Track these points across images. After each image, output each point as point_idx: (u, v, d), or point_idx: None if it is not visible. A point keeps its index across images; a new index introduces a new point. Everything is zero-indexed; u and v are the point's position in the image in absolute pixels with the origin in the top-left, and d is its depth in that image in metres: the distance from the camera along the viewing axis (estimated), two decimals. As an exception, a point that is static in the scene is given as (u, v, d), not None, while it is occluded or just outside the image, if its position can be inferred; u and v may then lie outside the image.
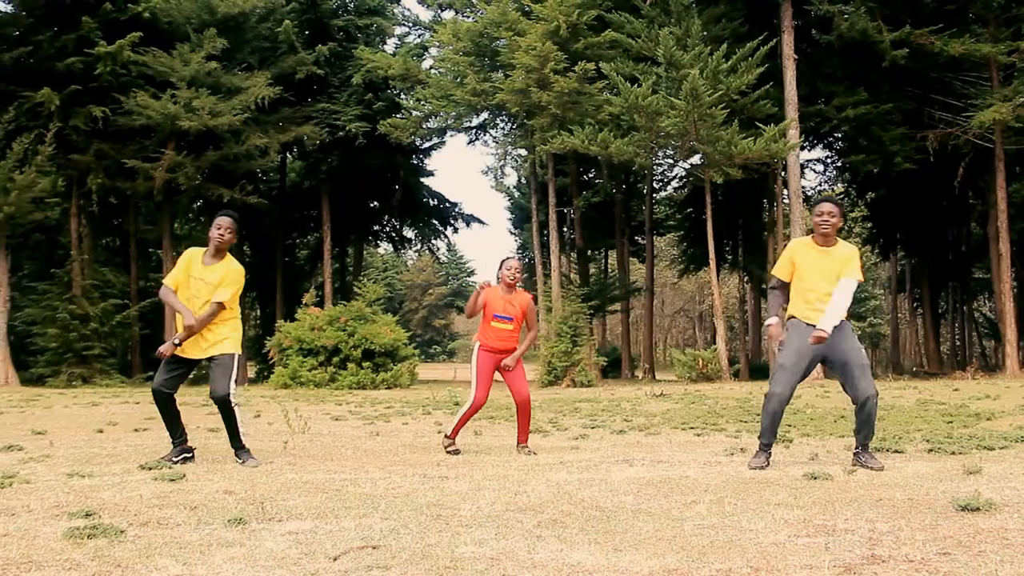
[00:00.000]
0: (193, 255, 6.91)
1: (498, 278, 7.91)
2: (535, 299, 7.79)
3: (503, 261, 7.95)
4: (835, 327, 6.34)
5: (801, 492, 5.22)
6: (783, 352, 6.52)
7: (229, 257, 6.92)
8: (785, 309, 6.70)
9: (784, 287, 6.67)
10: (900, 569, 3.36)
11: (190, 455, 6.96)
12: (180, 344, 6.67)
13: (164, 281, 6.92)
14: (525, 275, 8.08)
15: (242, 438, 6.97)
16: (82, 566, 3.45)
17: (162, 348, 6.68)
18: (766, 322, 6.47)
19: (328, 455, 7.58)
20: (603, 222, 41.32)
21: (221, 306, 6.74)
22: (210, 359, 6.80)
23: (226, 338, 6.82)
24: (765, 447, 6.55)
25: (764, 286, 34.95)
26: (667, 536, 3.98)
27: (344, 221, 39.85)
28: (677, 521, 4.34)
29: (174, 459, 6.80)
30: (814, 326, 6.34)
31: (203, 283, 6.77)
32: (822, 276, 6.40)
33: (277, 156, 34.21)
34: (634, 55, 28.05)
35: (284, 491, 5.36)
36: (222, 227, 6.81)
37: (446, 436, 7.89)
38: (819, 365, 6.59)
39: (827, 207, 6.45)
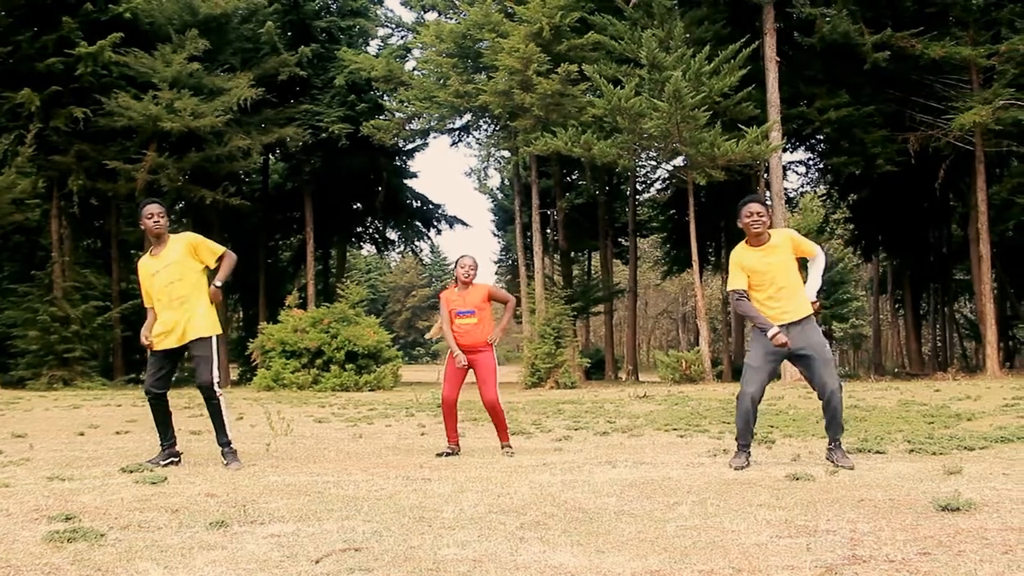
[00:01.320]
0: (143, 263, 6.91)
1: (455, 278, 7.93)
2: (518, 300, 7.72)
3: (457, 260, 7.97)
4: (799, 322, 6.41)
5: (783, 493, 5.24)
6: (751, 353, 6.59)
7: (172, 236, 6.90)
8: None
9: (747, 295, 6.63)
10: (881, 569, 3.38)
11: (176, 460, 6.92)
12: (149, 338, 6.72)
13: (146, 305, 6.92)
14: (476, 272, 7.93)
15: (229, 434, 6.89)
16: (62, 570, 3.43)
17: (145, 342, 6.76)
18: (770, 332, 6.39)
19: (311, 457, 7.57)
20: (586, 224, 41.40)
21: (230, 254, 6.90)
22: (188, 347, 6.76)
23: (200, 318, 6.74)
24: (743, 447, 6.59)
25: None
26: (650, 537, 3.99)
27: (327, 223, 39.75)
28: (660, 522, 4.35)
29: (161, 462, 6.77)
30: (784, 325, 6.39)
31: (164, 269, 6.74)
32: (773, 274, 6.42)
33: (260, 157, 34.10)
34: (617, 57, 28.09)
35: (266, 494, 5.34)
36: (153, 215, 6.77)
37: (448, 444, 7.87)
38: (799, 367, 6.61)
39: (756, 207, 6.42)
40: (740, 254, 6.52)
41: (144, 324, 6.84)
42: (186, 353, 6.90)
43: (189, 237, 6.87)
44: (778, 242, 6.47)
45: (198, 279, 6.81)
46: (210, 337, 6.75)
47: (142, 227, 6.81)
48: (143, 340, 6.74)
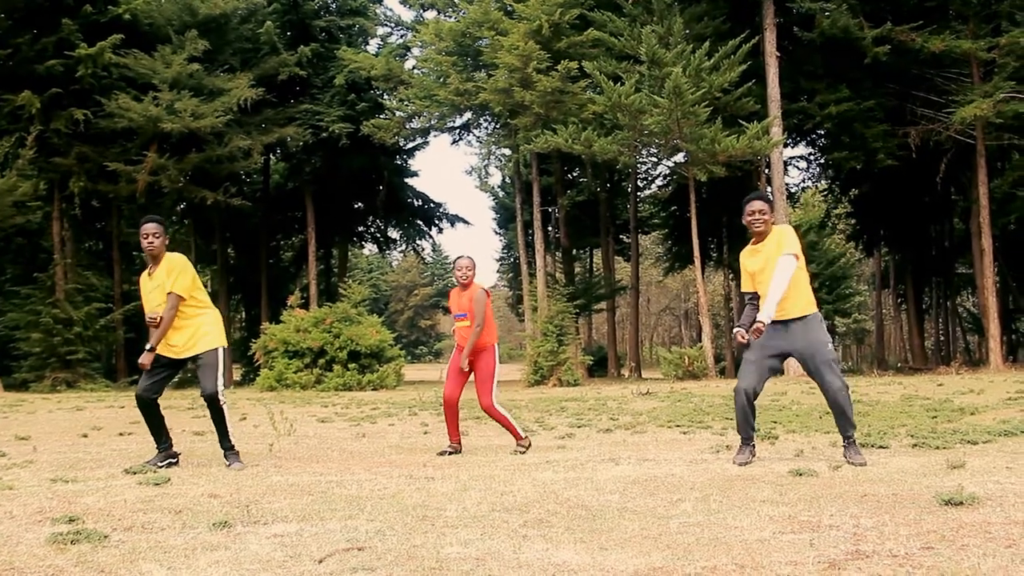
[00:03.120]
0: (142, 280, 6.88)
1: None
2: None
3: (454, 261, 7.96)
4: (798, 320, 6.33)
5: (786, 488, 5.24)
6: (748, 349, 6.58)
7: (167, 255, 6.81)
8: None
9: (756, 297, 6.61)
10: (884, 564, 3.37)
11: (175, 460, 6.93)
12: (154, 349, 6.64)
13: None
14: (473, 274, 7.89)
15: (231, 439, 6.95)
16: (65, 572, 3.43)
17: (141, 359, 6.64)
18: (735, 330, 6.51)
19: (314, 457, 7.57)
20: (588, 221, 41.42)
21: (179, 298, 6.64)
22: (194, 359, 6.78)
23: (205, 335, 6.78)
24: (746, 441, 6.58)
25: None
26: (653, 534, 3.99)
27: (328, 222, 39.78)
28: (663, 519, 4.34)
29: (159, 464, 6.77)
30: (779, 322, 6.35)
31: (156, 290, 6.71)
32: (768, 271, 6.34)
33: (260, 158, 34.12)
34: (617, 54, 28.08)
35: (269, 494, 5.34)
36: (148, 234, 6.72)
37: (450, 443, 7.88)
38: (803, 366, 6.59)
39: (758, 204, 6.40)
40: (742, 256, 6.66)
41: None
42: (191, 362, 6.90)
43: (172, 262, 6.73)
44: (771, 238, 6.42)
45: (190, 297, 6.74)
46: (216, 348, 6.80)
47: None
48: (142, 359, 6.64)
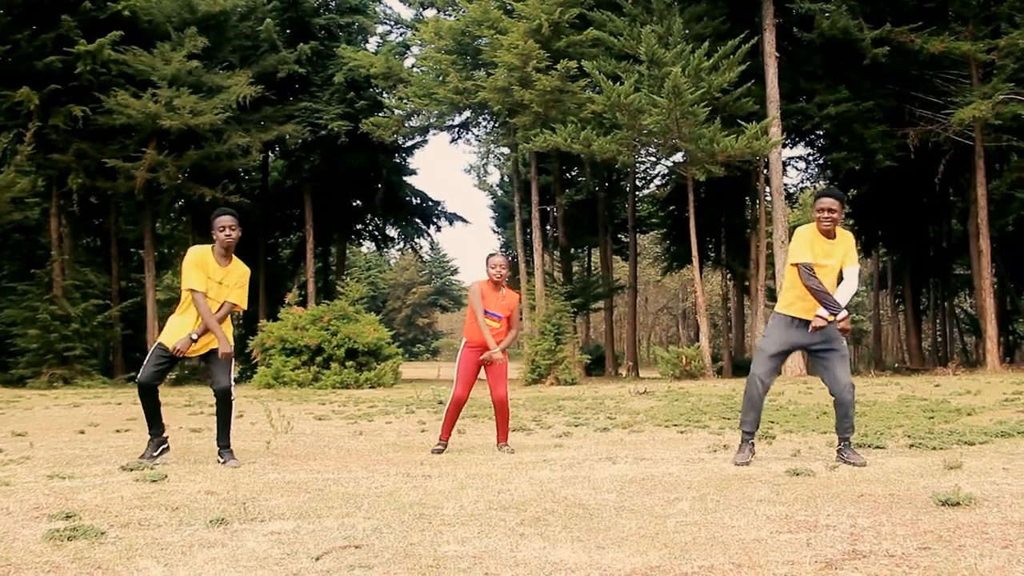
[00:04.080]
0: (206, 256, 6.82)
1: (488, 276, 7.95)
2: (519, 298, 7.79)
3: (488, 258, 7.96)
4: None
5: (783, 488, 5.24)
6: (766, 339, 6.60)
7: (237, 259, 6.98)
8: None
9: (811, 268, 6.44)
10: (881, 564, 3.38)
11: (166, 446, 7.06)
12: (196, 340, 6.71)
13: (195, 287, 6.71)
14: (509, 273, 8.09)
15: (230, 437, 6.97)
16: (62, 568, 3.43)
17: (179, 345, 6.64)
18: (840, 315, 6.32)
19: (311, 455, 7.57)
20: (586, 220, 41.40)
21: (236, 309, 6.91)
22: (209, 353, 6.85)
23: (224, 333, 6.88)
24: (747, 437, 6.58)
25: (746, 283, 35.08)
26: (650, 533, 3.99)
27: (327, 220, 39.76)
28: (660, 518, 4.35)
29: (154, 454, 6.87)
30: (807, 322, 6.39)
31: (219, 286, 6.80)
32: (829, 268, 6.42)
33: (259, 155, 34.07)
34: (616, 53, 28.08)
35: (266, 491, 5.34)
36: (226, 226, 6.77)
37: (439, 440, 7.88)
38: (802, 362, 6.61)
39: (830, 202, 6.41)
40: (809, 235, 6.49)
41: (197, 319, 6.78)
42: (202, 359, 6.97)
43: (243, 275, 6.95)
44: (842, 242, 6.48)
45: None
46: (231, 347, 6.90)
47: (214, 237, 6.79)
48: (178, 345, 6.66)
